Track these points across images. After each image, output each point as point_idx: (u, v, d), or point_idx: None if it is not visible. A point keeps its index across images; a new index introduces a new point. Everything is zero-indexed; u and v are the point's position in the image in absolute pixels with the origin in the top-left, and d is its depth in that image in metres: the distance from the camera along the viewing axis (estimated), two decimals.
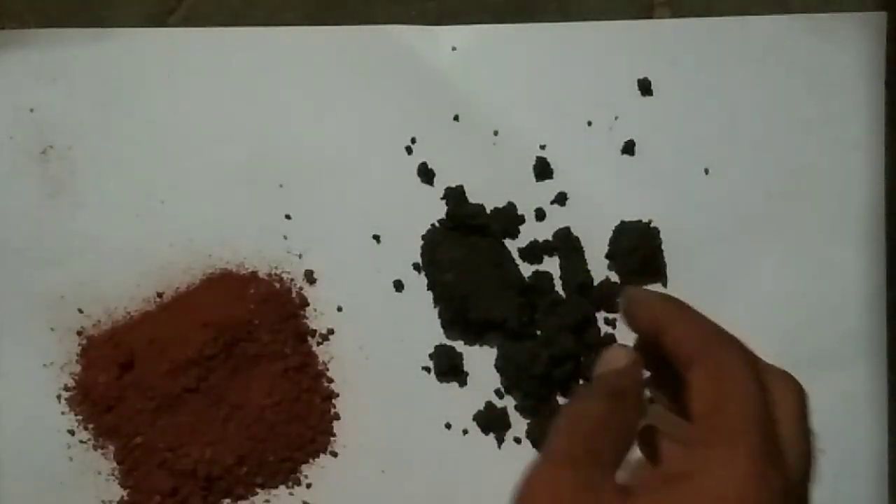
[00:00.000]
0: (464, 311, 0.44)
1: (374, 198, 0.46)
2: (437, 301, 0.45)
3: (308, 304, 0.46)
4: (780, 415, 0.25)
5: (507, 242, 0.46)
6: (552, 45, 0.46)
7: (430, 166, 0.46)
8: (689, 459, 0.24)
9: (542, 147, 0.46)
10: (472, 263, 0.44)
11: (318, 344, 0.46)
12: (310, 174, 0.46)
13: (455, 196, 0.45)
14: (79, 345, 0.46)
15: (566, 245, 0.45)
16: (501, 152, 0.46)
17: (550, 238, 0.46)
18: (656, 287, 0.46)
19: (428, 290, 0.46)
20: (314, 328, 0.46)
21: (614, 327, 0.45)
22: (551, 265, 0.46)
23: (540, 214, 0.46)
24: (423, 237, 0.46)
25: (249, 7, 0.47)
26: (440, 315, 0.45)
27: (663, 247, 0.45)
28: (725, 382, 0.25)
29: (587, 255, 0.46)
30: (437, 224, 0.46)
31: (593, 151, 0.46)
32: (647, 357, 0.29)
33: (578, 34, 0.46)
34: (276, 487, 0.45)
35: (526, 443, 0.45)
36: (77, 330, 0.46)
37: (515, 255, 0.46)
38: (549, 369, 0.43)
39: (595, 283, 0.45)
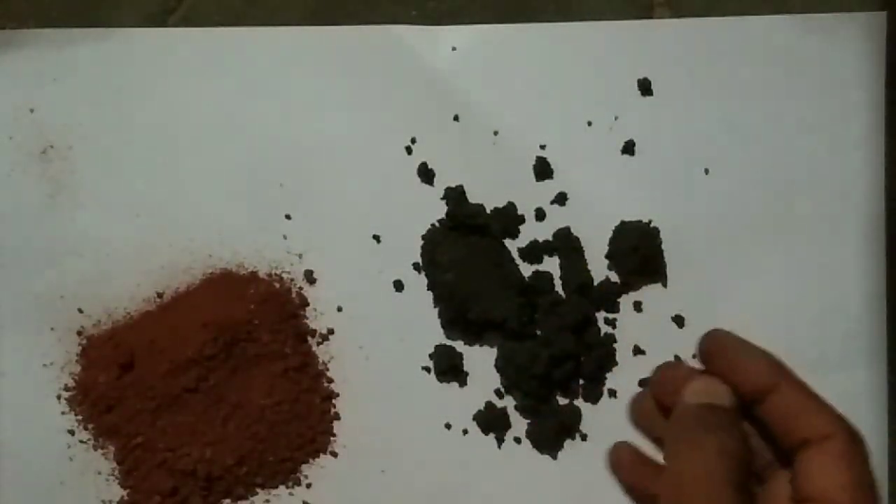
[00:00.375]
0: (463, 311, 0.44)
1: (374, 198, 0.46)
2: (436, 301, 0.45)
3: (308, 304, 0.46)
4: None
5: (508, 243, 0.46)
6: (552, 46, 0.46)
7: (430, 166, 0.46)
8: None
9: (542, 147, 0.46)
10: (472, 263, 0.44)
11: (318, 344, 0.46)
12: (310, 174, 0.46)
13: (455, 196, 0.45)
14: (79, 345, 0.46)
15: (566, 245, 0.45)
16: (501, 152, 0.46)
17: (550, 238, 0.46)
18: (656, 287, 0.45)
19: (428, 290, 0.46)
20: (314, 328, 0.46)
21: (614, 327, 0.45)
22: (551, 265, 0.46)
23: (540, 214, 0.46)
24: (423, 237, 0.45)
25: (249, 7, 0.47)
26: (440, 315, 0.45)
27: (663, 247, 0.45)
28: (857, 472, 0.25)
29: (587, 255, 0.46)
30: (437, 224, 0.46)
31: (593, 151, 0.46)
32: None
33: (578, 34, 0.46)
34: (276, 487, 0.45)
35: (526, 443, 0.45)
36: (77, 330, 0.46)
37: (515, 255, 0.46)
38: (548, 369, 0.43)
39: (595, 284, 0.45)
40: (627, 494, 0.29)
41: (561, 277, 0.45)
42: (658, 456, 0.28)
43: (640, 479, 0.29)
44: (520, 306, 0.43)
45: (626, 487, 0.29)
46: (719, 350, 0.29)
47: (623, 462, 0.29)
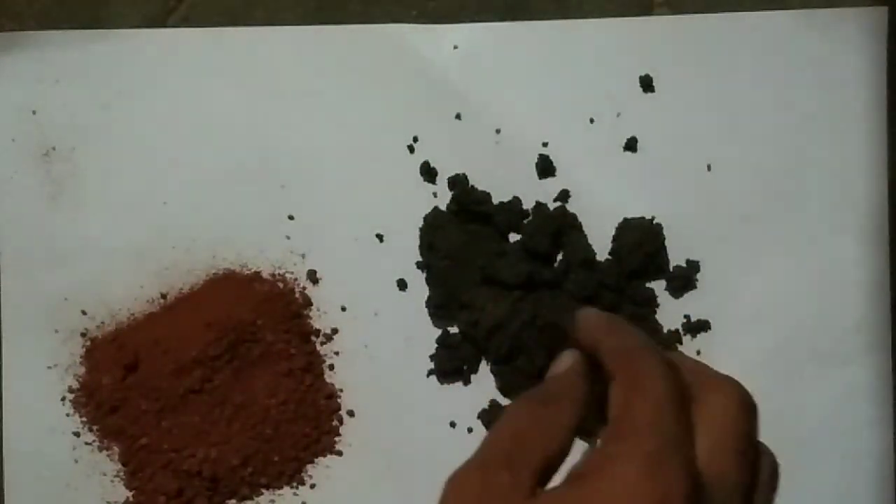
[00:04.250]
0: (451, 301, 0.44)
1: (376, 197, 0.46)
2: (428, 283, 0.45)
3: (311, 304, 0.46)
4: (706, 423, 0.25)
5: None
6: (553, 43, 0.46)
7: (432, 165, 0.46)
8: (591, 461, 0.24)
9: (545, 145, 0.46)
10: (471, 253, 0.44)
11: (323, 344, 0.46)
12: (312, 174, 0.46)
13: (460, 182, 0.45)
14: (83, 346, 0.46)
15: (566, 223, 0.45)
16: (504, 150, 0.46)
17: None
18: (659, 283, 0.46)
19: (419, 269, 0.46)
20: (318, 328, 0.46)
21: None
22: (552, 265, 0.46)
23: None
24: (425, 218, 0.45)
25: (249, 7, 0.47)
26: (428, 300, 0.45)
27: (666, 243, 0.45)
28: (637, 389, 0.25)
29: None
30: (439, 208, 0.46)
31: (596, 148, 0.46)
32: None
33: (580, 31, 0.46)
34: (281, 488, 0.45)
35: None
36: (81, 332, 0.46)
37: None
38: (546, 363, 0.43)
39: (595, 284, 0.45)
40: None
41: (562, 259, 0.45)
42: None
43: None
44: (513, 308, 0.43)
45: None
46: (577, 327, 0.30)
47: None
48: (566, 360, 0.29)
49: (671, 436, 0.24)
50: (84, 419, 0.45)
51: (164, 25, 0.47)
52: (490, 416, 0.45)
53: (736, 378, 0.27)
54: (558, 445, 0.26)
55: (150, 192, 0.46)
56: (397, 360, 0.45)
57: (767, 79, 0.46)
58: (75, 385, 0.45)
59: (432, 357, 0.45)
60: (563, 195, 0.46)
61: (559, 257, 0.45)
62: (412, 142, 0.46)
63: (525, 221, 0.45)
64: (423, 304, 0.45)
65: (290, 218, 0.46)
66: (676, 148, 0.46)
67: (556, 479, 0.25)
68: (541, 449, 0.25)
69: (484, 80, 0.46)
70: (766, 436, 0.46)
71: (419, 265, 0.46)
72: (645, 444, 0.23)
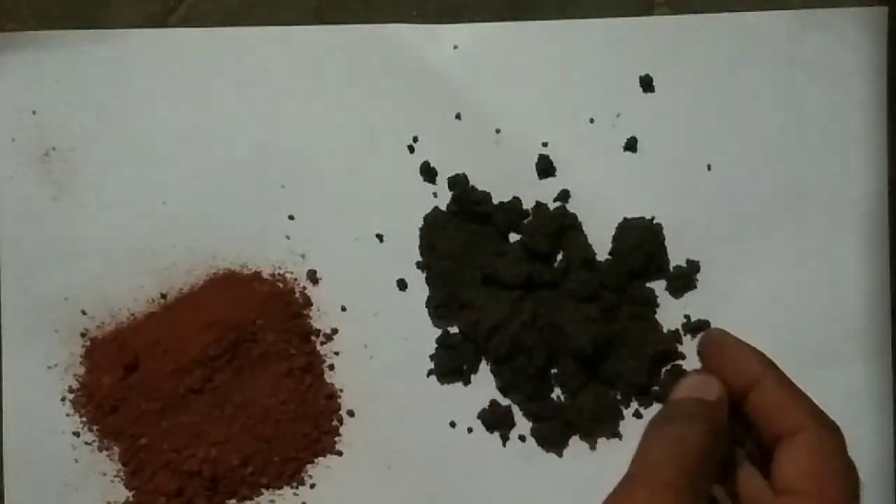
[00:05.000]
0: (451, 301, 0.44)
1: (376, 197, 0.46)
2: (428, 282, 0.45)
3: (311, 304, 0.46)
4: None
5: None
6: (553, 43, 0.46)
7: (432, 165, 0.46)
8: None
9: (545, 145, 0.46)
10: (471, 253, 0.44)
11: (323, 344, 0.46)
12: (311, 174, 0.46)
13: (460, 182, 0.45)
14: (83, 346, 0.46)
15: (565, 224, 0.45)
16: (504, 150, 0.46)
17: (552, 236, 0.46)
18: (660, 283, 0.46)
19: (419, 269, 0.46)
20: (318, 328, 0.46)
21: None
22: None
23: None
24: (425, 218, 0.45)
25: (249, 7, 0.47)
26: (428, 300, 0.45)
27: (666, 243, 0.45)
28: (826, 462, 0.26)
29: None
30: (439, 208, 0.46)
31: (596, 149, 0.46)
32: None
33: (580, 31, 0.46)
34: (281, 488, 0.45)
35: (531, 440, 0.45)
36: (81, 332, 0.46)
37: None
38: (546, 362, 0.43)
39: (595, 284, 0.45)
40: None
41: (562, 259, 0.45)
42: None
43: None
44: (511, 304, 0.43)
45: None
46: (714, 347, 0.30)
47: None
48: (715, 387, 0.29)
49: None
50: (84, 419, 0.45)
51: (164, 25, 0.47)
52: (490, 415, 0.45)
53: None
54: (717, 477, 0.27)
55: (150, 192, 0.46)
56: (397, 360, 0.45)
57: (767, 79, 0.46)
58: (75, 385, 0.45)
59: (432, 357, 0.45)
60: (563, 195, 0.46)
61: (559, 257, 0.45)
62: (412, 142, 0.46)
63: (525, 221, 0.45)
64: (423, 304, 0.46)
65: (290, 218, 0.46)
66: (676, 148, 0.46)
67: None
68: (713, 479, 0.27)
69: (484, 80, 0.46)
70: None
71: (419, 265, 0.46)
72: None
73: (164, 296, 0.46)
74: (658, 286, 0.46)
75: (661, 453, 0.26)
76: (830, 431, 0.27)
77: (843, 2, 0.46)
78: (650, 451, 0.27)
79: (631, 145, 0.46)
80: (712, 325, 0.45)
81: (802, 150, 0.46)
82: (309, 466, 0.45)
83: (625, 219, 0.45)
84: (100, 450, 0.45)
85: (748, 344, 0.30)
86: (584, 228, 0.46)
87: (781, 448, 0.27)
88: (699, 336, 0.30)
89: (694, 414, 0.28)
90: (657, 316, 0.45)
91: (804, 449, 0.26)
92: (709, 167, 0.46)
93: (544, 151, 0.46)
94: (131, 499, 0.45)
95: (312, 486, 0.45)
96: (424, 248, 0.45)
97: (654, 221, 0.45)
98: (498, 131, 0.46)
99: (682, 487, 0.25)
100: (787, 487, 0.26)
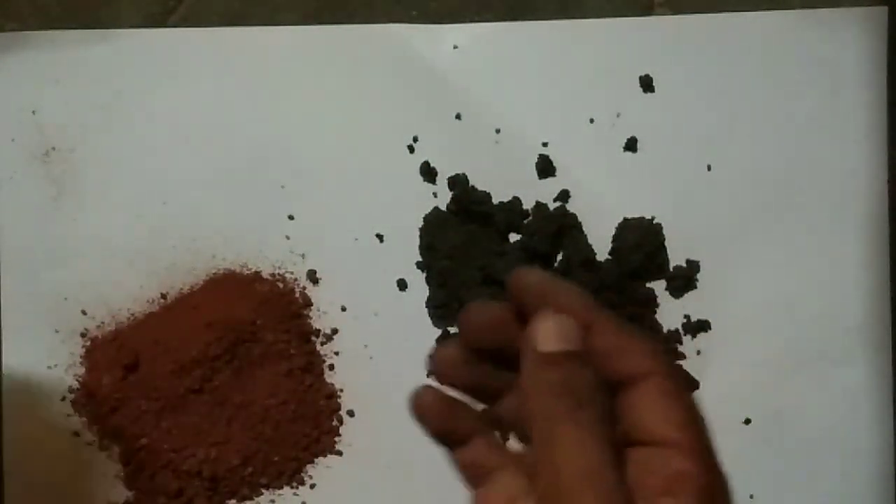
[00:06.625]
0: (451, 301, 0.44)
1: (376, 197, 0.46)
2: (428, 282, 0.45)
3: (311, 304, 0.46)
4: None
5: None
6: (553, 43, 0.46)
7: (432, 165, 0.46)
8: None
9: (545, 145, 0.46)
10: (471, 253, 0.44)
11: (322, 344, 0.46)
12: (311, 174, 0.46)
13: (460, 182, 0.45)
14: (83, 346, 0.46)
15: (566, 224, 0.45)
16: (504, 150, 0.46)
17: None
18: (660, 283, 0.46)
19: (419, 269, 0.46)
20: (318, 328, 0.46)
21: None
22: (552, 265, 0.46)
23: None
24: (425, 218, 0.45)
25: (249, 7, 0.47)
26: (428, 300, 0.45)
27: (666, 243, 0.45)
28: (691, 413, 0.23)
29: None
30: (439, 208, 0.46)
31: (595, 149, 0.46)
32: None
33: (580, 32, 0.46)
34: (281, 488, 0.45)
35: None
36: (81, 332, 0.46)
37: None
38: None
39: (595, 284, 0.45)
40: (435, 440, 0.28)
41: (562, 259, 0.45)
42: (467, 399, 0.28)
43: (450, 424, 0.28)
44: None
45: (435, 433, 0.28)
46: (530, 287, 0.26)
47: (431, 407, 0.27)
48: (577, 332, 0.24)
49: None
50: (84, 419, 0.45)
51: (164, 25, 0.47)
52: (490, 415, 0.45)
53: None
54: None
55: (150, 192, 0.46)
56: (397, 360, 0.45)
57: (767, 79, 0.46)
58: (75, 385, 0.45)
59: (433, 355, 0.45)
60: (563, 195, 0.46)
61: (559, 257, 0.45)
62: (412, 142, 0.46)
63: (525, 221, 0.45)
64: (423, 304, 0.45)
65: (290, 218, 0.46)
66: (676, 148, 0.46)
67: None
68: None
69: (484, 81, 0.46)
70: (766, 435, 0.46)
71: (419, 265, 0.46)
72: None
73: (164, 296, 0.46)
74: (658, 286, 0.46)
75: (587, 457, 0.22)
76: (677, 375, 0.24)
77: (843, 2, 0.46)
78: (572, 455, 0.23)
79: (631, 145, 0.46)
80: (712, 326, 0.45)
81: (802, 149, 0.46)
82: (309, 466, 0.45)
83: (625, 219, 0.45)
84: (100, 450, 0.45)
85: (567, 283, 0.25)
86: (584, 228, 0.46)
87: (630, 395, 0.24)
88: (517, 280, 0.26)
89: (588, 382, 0.23)
90: (657, 316, 0.45)
91: (660, 395, 0.23)
92: (708, 167, 0.46)
93: (544, 151, 0.46)
94: (131, 498, 0.45)
95: (312, 486, 0.45)
96: (424, 248, 0.45)
97: (654, 221, 0.45)
98: (498, 131, 0.46)
99: (614, 484, 0.22)
100: (646, 437, 0.23)
